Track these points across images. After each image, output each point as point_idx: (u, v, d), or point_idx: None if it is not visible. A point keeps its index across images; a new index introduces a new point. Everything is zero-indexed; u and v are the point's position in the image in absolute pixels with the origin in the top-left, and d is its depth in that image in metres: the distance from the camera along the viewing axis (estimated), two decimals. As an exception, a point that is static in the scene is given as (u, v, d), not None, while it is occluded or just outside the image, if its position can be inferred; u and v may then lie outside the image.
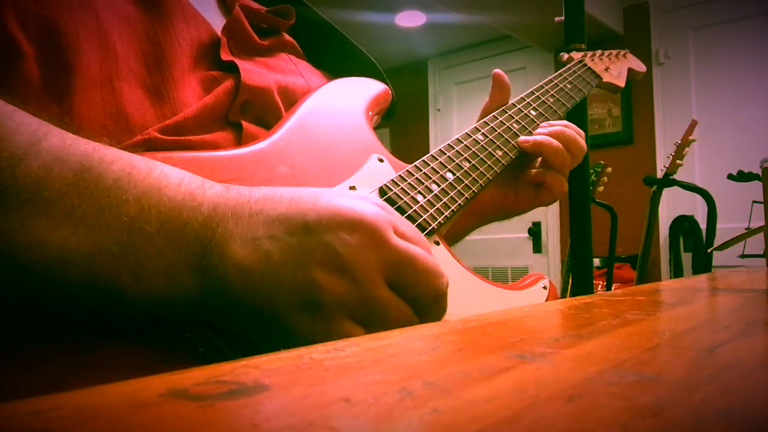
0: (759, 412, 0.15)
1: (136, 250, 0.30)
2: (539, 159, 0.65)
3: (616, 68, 0.85)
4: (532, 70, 3.73)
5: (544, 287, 0.59)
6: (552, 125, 0.64)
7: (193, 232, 0.32)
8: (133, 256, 0.30)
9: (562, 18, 1.10)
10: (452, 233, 0.69)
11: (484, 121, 0.62)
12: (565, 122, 0.66)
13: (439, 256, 0.50)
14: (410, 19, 3.55)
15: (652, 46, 3.28)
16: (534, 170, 0.65)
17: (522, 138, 0.63)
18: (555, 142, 0.62)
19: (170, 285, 0.31)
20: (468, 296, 0.51)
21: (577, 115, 0.80)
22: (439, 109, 4.19)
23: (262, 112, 0.51)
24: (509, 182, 0.67)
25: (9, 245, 0.28)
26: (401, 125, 4.17)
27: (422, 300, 0.35)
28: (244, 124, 0.49)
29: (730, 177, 2.13)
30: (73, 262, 0.29)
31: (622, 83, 0.84)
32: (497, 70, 0.67)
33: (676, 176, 2.21)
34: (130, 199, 0.31)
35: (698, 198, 2.39)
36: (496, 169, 0.58)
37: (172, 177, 0.33)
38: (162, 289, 0.31)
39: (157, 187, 0.32)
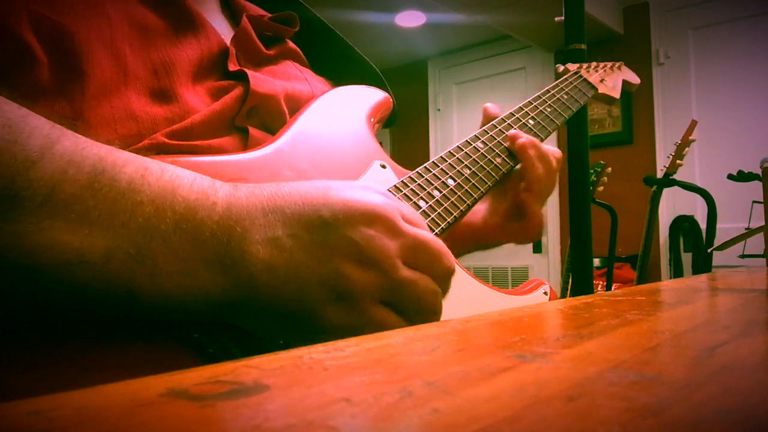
0: (759, 412, 0.15)
1: (152, 250, 0.31)
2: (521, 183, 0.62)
3: (611, 80, 0.86)
4: (532, 70, 3.73)
5: (545, 293, 0.59)
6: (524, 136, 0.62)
7: (209, 230, 0.32)
8: (149, 256, 0.31)
9: (562, 18, 1.10)
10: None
11: (484, 130, 0.63)
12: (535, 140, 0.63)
13: None
14: (410, 19, 3.55)
15: (652, 46, 3.28)
16: (522, 194, 0.61)
17: (512, 132, 0.62)
18: (534, 151, 0.60)
19: (187, 285, 0.32)
20: (469, 301, 0.51)
21: (577, 115, 0.81)
22: (439, 109, 4.19)
23: (267, 118, 0.51)
24: (492, 209, 0.65)
25: (25, 247, 0.28)
26: (401, 125, 4.18)
27: (437, 278, 0.37)
28: (251, 129, 0.49)
29: (730, 177, 2.13)
30: (88, 264, 0.29)
31: (617, 94, 0.85)
32: (485, 105, 0.65)
33: (676, 176, 2.21)
34: (145, 200, 0.31)
35: (698, 198, 2.39)
36: (495, 176, 0.59)
37: (184, 178, 0.34)
38: (178, 289, 0.31)
39: (170, 188, 0.32)
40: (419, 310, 0.36)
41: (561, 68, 0.84)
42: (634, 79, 0.92)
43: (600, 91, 0.82)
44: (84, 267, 0.29)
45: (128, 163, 0.32)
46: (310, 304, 0.33)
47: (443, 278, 0.38)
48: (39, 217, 0.28)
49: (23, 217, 0.28)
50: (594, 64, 0.87)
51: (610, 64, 0.89)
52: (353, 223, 0.34)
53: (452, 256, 0.39)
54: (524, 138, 0.61)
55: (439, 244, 0.38)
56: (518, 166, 0.62)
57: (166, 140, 0.43)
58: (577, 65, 0.84)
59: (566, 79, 0.79)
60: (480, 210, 0.66)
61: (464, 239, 0.66)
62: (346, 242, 0.34)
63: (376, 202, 0.36)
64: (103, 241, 0.29)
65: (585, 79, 0.81)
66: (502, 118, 0.66)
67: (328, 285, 0.33)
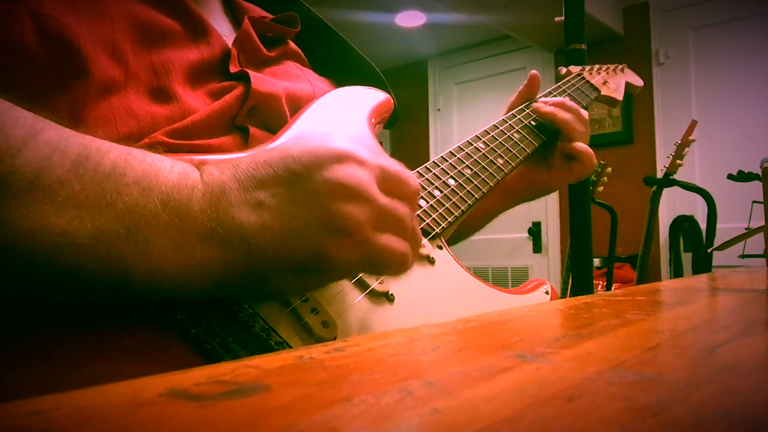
0: (759, 412, 0.15)
1: (141, 228, 0.31)
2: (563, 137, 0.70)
3: (614, 82, 0.86)
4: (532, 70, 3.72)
5: (546, 292, 0.59)
6: (559, 99, 0.70)
7: (197, 206, 0.33)
8: (140, 234, 0.31)
9: (562, 18, 1.10)
10: (479, 217, 0.74)
11: (485, 130, 0.64)
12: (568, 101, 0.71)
13: (442, 261, 0.51)
14: (410, 19, 3.54)
15: (652, 46, 3.27)
16: (566, 145, 0.69)
17: (535, 105, 0.68)
18: (563, 113, 0.67)
19: (183, 262, 0.32)
20: (470, 301, 0.51)
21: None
22: (439, 109, 4.18)
23: (268, 117, 0.51)
24: (540, 162, 0.71)
25: (13, 232, 0.28)
26: (401, 125, 4.18)
27: (407, 200, 0.40)
28: (251, 129, 0.49)
29: (730, 177, 2.13)
30: (77, 245, 0.29)
31: (619, 96, 0.85)
32: (534, 72, 0.73)
33: (676, 176, 2.21)
34: (130, 181, 0.32)
35: (698, 198, 2.39)
36: (498, 177, 0.59)
37: (165, 161, 0.34)
38: (175, 267, 0.32)
39: (154, 170, 0.33)
40: (403, 233, 0.38)
41: (563, 70, 0.84)
42: (637, 81, 0.92)
43: (603, 93, 0.82)
44: (74, 249, 0.29)
45: (112, 149, 0.33)
46: (315, 247, 0.34)
47: (413, 198, 0.40)
48: (25, 201, 0.29)
49: (9, 202, 0.28)
50: (597, 66, 0.86)
51: (612, 67, 0.89)
52: (324, 166, 0.35)
53: (414, 177, 0.41)
54: (548, 107, 0.68)
55: (401, 167, 0.40)
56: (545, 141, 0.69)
57: (166, 139, 0.43)
58: (580, 67, 0.84)
59: (568, 81, 0.79)
60: (527, 168, 0.72)
61: (517, 191, 0.73)
62: (325, 184, 0.35)
63: (337, 142, 0.37)
64: (91, 221, 0.30)
65: (587, 81, 0.81)
66: (503, 119, 0.66)
67: (326, 225, 0.34)
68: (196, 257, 0.32)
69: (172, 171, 0.34)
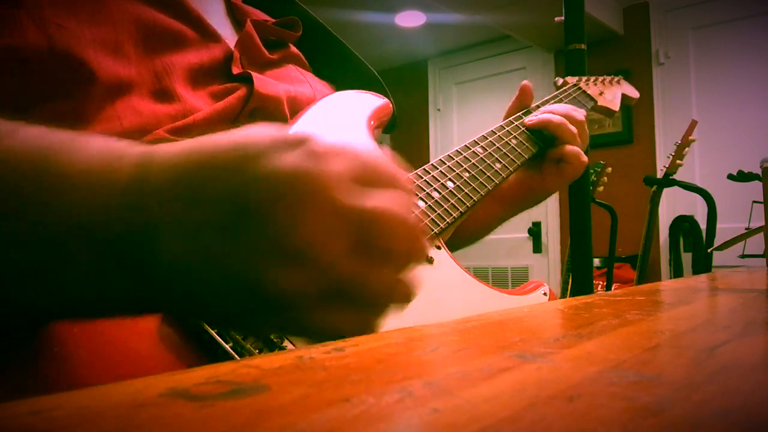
0: (759, 413, 0.15)
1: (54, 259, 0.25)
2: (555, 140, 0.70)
3: (610, 93, 0.87)
4: (532, 70, 3.72)
5: (545, 294, 0.60)
6: (551, 106, 0.71)
7: (110, 222, 0.26)
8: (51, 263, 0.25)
9: (562, 18, 1.10)
10: (481, 225, 0.74)
11: (483, 135, 0.65)
12: (561, 105, 0.72)
13: (440, 261, 0.51)
14: (410, 19, 3.54)
15: (652, 46, 3.27)
16: (554, 150, 0.69)
17: (527, 118, 0.69)
18: (556, 117, 0.68)
19: (102, 285, 0.26)
20: (468, 300, 0.52)
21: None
22: (439, 109, 4.18)
23: (269, 119, 0.52)
24: (533, 167, 0.71)
25: None
26: (401, 126, 4.18)
27: (399, 258, 0.27)
28: None
29: (730, 177, 2.13)
30: None
31: (616, 107, 0.87)
32: (525, 82, 0.73)
33: (676, 176, 2.21)
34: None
35: (698, 198, 2.38)
36: (495, 180, 0.60)
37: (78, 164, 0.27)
38: (85, 290, 0.26)
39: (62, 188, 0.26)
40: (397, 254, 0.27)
41: (560, 81, 0.85)
42: (633, 92, 0.94)
43: (599, 104, 0.83)
44: None
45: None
46: (251, 276, 0.25)
47: (407, 256, 0.27)
48: None
49: None
50: (593, 77, 0.88)
51: (609, 78, 0.91)
52: (272, 211, 0.24)
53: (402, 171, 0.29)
54: (536, 118, 0.68)
55: (384, 156, 0.29)
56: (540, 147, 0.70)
57: (168, 136, 0.43)
58: (576, 78, 0.86)
59: (565, 91, 0.80)
60: (522, 173, 0.72)
61: (516, 198, 0.73)
62: (266, 237, 0.24)
63: (300, 172, 0.25)
64: None
65: (584, 91, 0.82)
66: (501, 125, 0.68)
67: (256, 299, 0.25)
68: (113, 282, 0.26)
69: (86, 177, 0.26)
